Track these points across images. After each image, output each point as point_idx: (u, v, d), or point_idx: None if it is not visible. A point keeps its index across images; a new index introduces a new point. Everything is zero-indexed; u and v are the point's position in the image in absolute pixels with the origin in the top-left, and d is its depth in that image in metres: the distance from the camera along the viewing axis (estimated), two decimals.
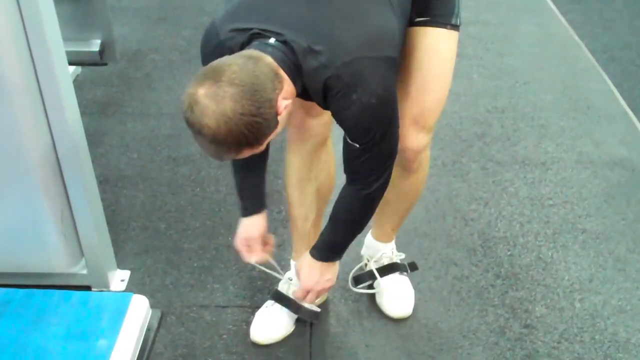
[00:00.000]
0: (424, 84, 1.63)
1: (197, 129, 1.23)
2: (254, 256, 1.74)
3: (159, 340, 1.88)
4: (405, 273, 2.06)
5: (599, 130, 2.89)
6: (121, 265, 2.05)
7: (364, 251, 2.08)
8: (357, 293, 2.06)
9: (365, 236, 2.07)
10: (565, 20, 3.86)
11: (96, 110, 2.94)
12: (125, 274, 2.04)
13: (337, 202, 1.59)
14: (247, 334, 1.93)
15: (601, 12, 4.16)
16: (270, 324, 1.93)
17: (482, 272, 2.16)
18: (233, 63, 1.24)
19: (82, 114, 1.72)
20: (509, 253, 2.24)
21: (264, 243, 1.74)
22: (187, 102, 1.22)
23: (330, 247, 1.65)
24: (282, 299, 1.93)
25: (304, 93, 1.39)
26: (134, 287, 2.03)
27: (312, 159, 1.81)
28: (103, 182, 2.44)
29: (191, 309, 2.02)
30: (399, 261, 2.05)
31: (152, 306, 1.69)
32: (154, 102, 3.01)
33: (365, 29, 1.35)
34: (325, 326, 1.98)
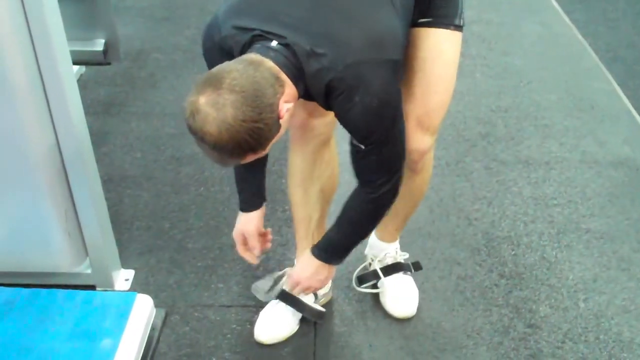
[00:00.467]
0: (428, 85, 1.62)
1: (199, 137, 1.23)
2: (248, 254, 1.75)
3: (163, 339, 1.88)
4: (409, 273, 2.06)
5: (603, 129, 2.88)
6: (125, 264, 2.05)
7: (367, 251, 2.08)
8: (361, 293, 2.06)
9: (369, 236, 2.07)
10: (569, 19, 3.85)
11: (100, 109, 2.94)
12: (130, 273, 2.05)
13: (346, 203, 1.59)
14: (251, 333, 1.93)
15: (605, 11, 4.15)
16: (275, 323, 1.93)
17: (486, 272, 2.16)
18: (233, 69, 1.23)
19: (86, 113, 1.73)
20: (513, 253, 2.24)
21: (262, 237, 1.75)
22: (189, 110, 1.22)
23: (330, 248, 1.65)
24: (287, 298, 1.92)
25: (306, 94, 1.38)
26: (138, 286, 2.03)
27: (315, 159, 1.81)
28: (107, 181, 2.44)
29: (195, 309, 2.02)
30: (402, 261, 2.05)
31: (156, 305, 1.70)
32: (157, 101, 3.01)
33: (367, 31, 1.35)
34: (330, 326, 1.98)
